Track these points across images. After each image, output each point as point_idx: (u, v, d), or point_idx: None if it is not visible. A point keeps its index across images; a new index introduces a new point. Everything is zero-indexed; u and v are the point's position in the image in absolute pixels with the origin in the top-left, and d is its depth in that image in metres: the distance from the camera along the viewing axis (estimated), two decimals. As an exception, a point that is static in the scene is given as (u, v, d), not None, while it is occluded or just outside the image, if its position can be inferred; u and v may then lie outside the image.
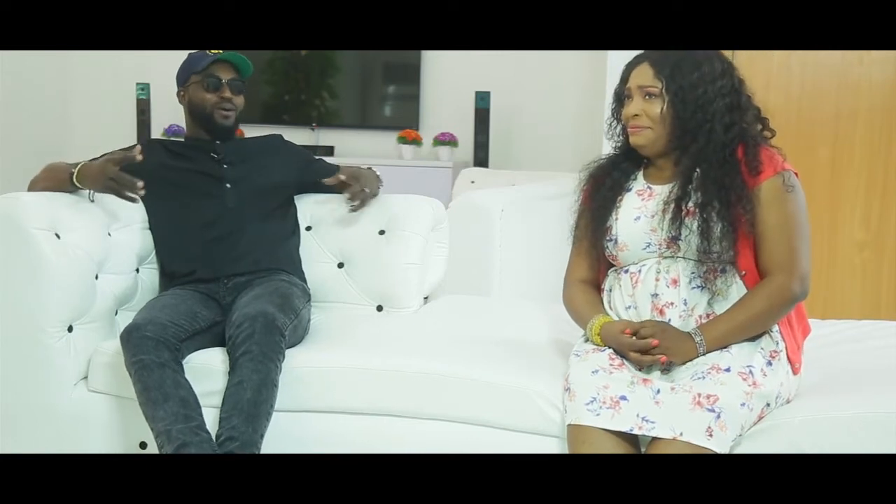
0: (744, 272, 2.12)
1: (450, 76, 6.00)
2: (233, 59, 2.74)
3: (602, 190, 2.26)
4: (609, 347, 2.15)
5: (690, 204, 2.11)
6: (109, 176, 2.43)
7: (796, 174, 2.15)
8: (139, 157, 2.47)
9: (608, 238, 2.22)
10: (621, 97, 2.25)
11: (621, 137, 2.29)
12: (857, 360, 2.39)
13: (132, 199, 2.46)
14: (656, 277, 2.15)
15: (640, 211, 2.20)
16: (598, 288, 2.32)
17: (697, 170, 2.12)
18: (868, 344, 2.53)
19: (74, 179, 2.49)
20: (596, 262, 2.30)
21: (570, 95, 5.76)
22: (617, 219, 2.22)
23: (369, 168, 2.87)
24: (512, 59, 5.75)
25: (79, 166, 2.51)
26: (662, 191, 2.19)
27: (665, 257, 2.16)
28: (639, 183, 2.26)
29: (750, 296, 2.10)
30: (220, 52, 2.74)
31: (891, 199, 4.38)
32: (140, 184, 2.42)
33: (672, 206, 2.12)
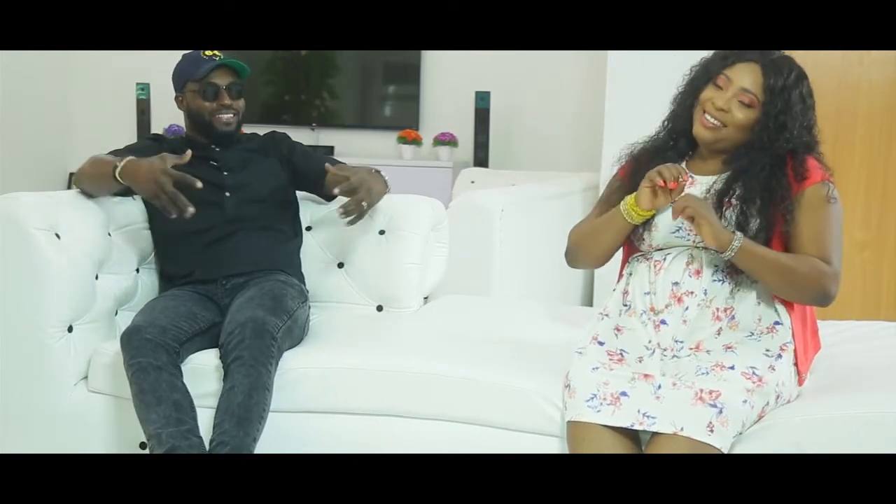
0: None
1: (450, 76, 6.00)
2: (229, 63, 2.71)
3: (643, 171, 2.20)
4: (641, 199, 2.13)
5: (733, 199, 2.11)
6: (163, 188, 2.37)
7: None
8: (187, 159, 2.43)
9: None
10: (711, 77, 2.16)
11: (677, 113, 2.23)
12: (857, 360, 2.38)
13: (168, 213, 2.40)
14: (687, 262, 2.14)
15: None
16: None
17: (734, 172, 2.13)
18: (868, 344, 2.53)
19: (118, 175, 2.44)
20: None
21: (570, 95, 5.76)
22: None
23: (376, 171, 2.75)
24: (512, 59, 5.75)
25: (124, 162, 2.44)
26: (705, 181, 2.18)
27: (697, 247, 2.15)
28: None
29: (800, 256, 2.08)
30: (215, 54, 2.70)
31: (891, 199, 4.38)
32: (191, 210, 2.38)
33: (714, 199, 2.12)
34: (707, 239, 2.04)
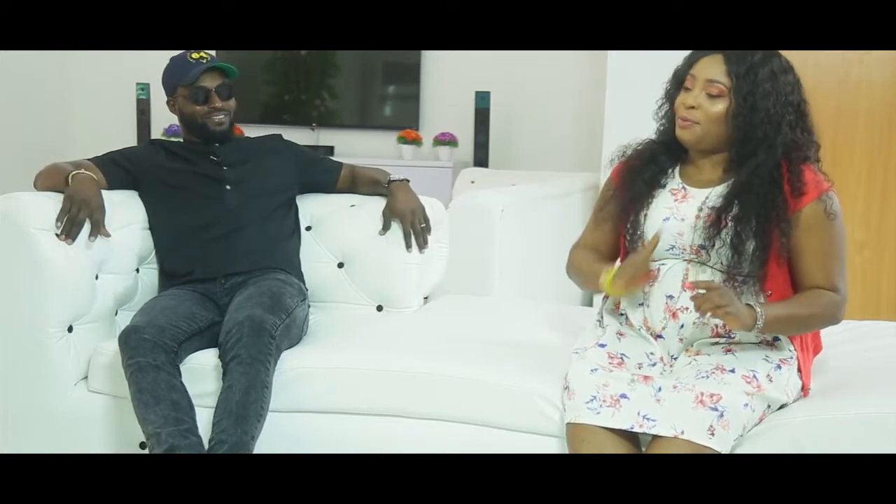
0: (769, 293, 2.09)
1: (450, 76, 6.00)
2: (216, 65, 2.70)
3: (637, 182, 2.18)
4: (625, 293, 2.12)
5: (728, 217, 2.06)
6: (91, 209, 2.43)
7: (835, 194, 2.10)
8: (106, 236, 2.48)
9: (634, 232, 2.18)
10: (681, 81, 2.14)
11: (665, 123, 2.21)
12: (857, 360, 2.38)
13: (58, 229, 2.40)
14: (683, 276, 2.12)
15: (670, 211, 2.15)
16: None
17: (732, 184, 2.08)
18: (868, 344, 2.53)
19: (70, 182, 2.48)
20: (613, 245, 2.28)
21: (570, 95, 5.76)
22: (646, 215, 2.16)
23: (392, 183, 2.83)
24: (512, 59, 5.75)
25: (78, 176, 2.49)
26: (698, 195, 2.14)
27: (692, 262, 2.12)
28: (674, 181, 2.19)
29: (812, 296, 2.06)
30: (202, 57, 2.70)
31: (891, 199, 4.38)
32: (70, 241, 2.39)
33: (712, 215, 2.07)
34: (735, 328, 2.01)
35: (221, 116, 2.71)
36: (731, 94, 2.06)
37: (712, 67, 2.08)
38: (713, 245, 2.08)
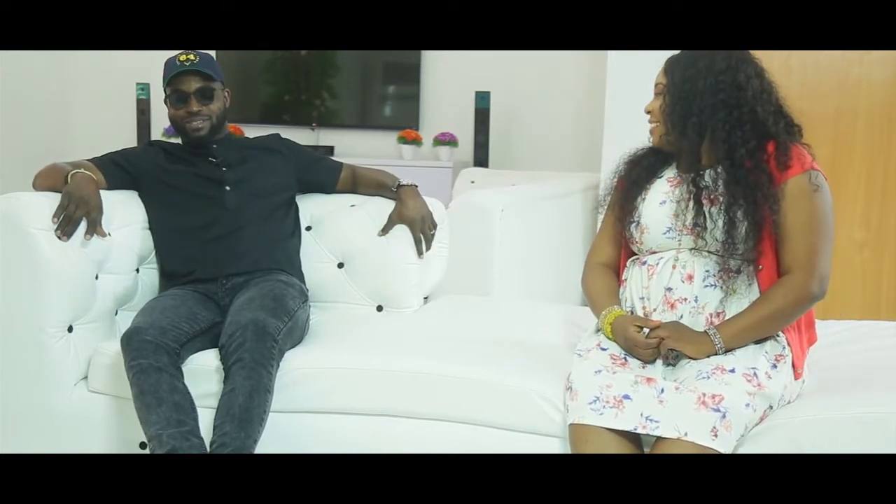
0: (761, 267, 2.12)
1: (450, 76, 6.00)
2: (196, 67, 2.66)
3: (637, 169, 2.29)
4: (616, 342, 2.16)
5: (713, 195, 2.12)
6: (89, 208, 2.44)
7: (825, 177, 2.14)
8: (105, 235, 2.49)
9: (631, 220, 2.24)
10: None
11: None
12: (857, 360, 2.39)
13: (56, 225, 2.40)
14: (673, 265, 2.15)
15: (666, 196, 2.22)
16: (617, 273, 2.33)
17: (720, 168, 2.13)
18: (868, 344, 2.53)
19: (69, 181, 2.48)
20: (619, 239, 2.33)
21: (570, 95, 5.77)
22: (644, 199, 2.24)
23: (400, 189, 2.84)
24: (512, 59, 5.75)
25: (77, 175, 2.49)
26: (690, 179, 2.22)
27: (686, 248, 2.17)
28: (671, 171, 2.28)
29: (768, 293, 2.10)
30: (188, 58, 2.67)
31: (891, 199, 4.38)
32: (64, 239, 2.39)
33: (692, 201, 2.14)
34: (694, 357, 2.07)
35: (198, 122, 2.69)
36: (664, 89, 2.20)
37: (659, 74, 2.23)
38: (705, 225, 2.12)
